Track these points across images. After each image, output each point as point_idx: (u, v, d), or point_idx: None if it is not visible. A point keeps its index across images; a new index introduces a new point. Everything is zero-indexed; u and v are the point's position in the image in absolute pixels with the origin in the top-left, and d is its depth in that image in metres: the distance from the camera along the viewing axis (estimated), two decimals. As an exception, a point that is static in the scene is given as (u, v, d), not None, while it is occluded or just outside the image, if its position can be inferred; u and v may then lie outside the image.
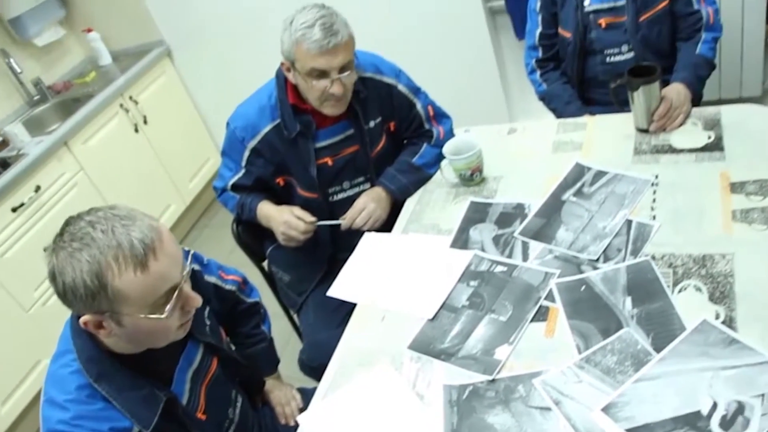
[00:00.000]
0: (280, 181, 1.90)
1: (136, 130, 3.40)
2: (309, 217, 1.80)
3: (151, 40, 3.62)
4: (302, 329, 2.00)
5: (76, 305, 1.08)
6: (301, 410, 1.61)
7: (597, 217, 1.57)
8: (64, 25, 3.66)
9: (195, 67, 3.70)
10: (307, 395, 1.68)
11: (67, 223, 1.08)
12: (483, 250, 1.59)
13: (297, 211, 1.81)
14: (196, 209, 3.82)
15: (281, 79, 1.79)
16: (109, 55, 3.65)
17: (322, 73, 1.67)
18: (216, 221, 3.72)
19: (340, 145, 1.85)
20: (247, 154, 1.85)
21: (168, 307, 1.11)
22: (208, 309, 1.42)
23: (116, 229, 1.05)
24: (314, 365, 1.90)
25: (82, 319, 1.10)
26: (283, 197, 1.92)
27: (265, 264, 2.03)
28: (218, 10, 3.40)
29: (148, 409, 1.19)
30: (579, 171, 1.73)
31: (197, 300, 1.18)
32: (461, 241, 1.65)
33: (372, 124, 1.86)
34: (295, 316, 2.05)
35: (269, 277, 2.04)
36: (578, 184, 1.68)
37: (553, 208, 1.64)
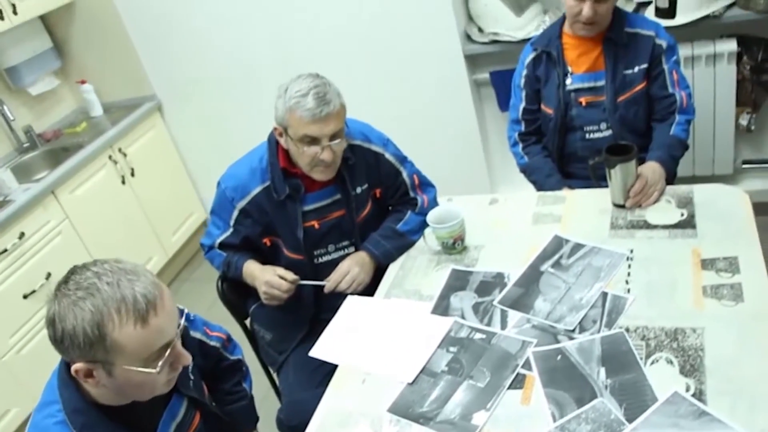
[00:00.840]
0: (266, 241, 1.93)
1: (123, 182, 3.43)
2: (291, 276, 1.84)
3: (143, 95, 3.69)
4: (281, 388, 2.00)
5: (71, 352, 1.10)
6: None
7: (574, 289, 1.62)
8: (58, 76, 3.73)
9: (184, 123, 3.77)
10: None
11: (73, 271, 1.11)
12: (463, 317, 1.63)
13: (280, 270, 1.85)
14: (178, 262, 3.83)
15: (273, 143, 1.85)
16: (100, 106, 3.71)
17: (314, 140, 1.73)
18: (197, 275, 3.73)
19: (327, 209, 1.90)
20: (235, 213, 1.89)
21: (160, 362, 1.14)
22: (192, 364, 1.43)
23: (122, 282, 1.09)
24: (293, 425, 1.90)
25: (74, 366, 1.11)
26: (269, 257, 1.96)
27: (247, 321, 2.04)
28: (210, 69, 3.50)
29: None
30: (558, 243, 1.79)
31: (187, 358, 1.21)
32: (442, 307, 1.69)
33: (359, 190, 1.92)
34: (274, 375, 2.06)
35: (250, 335, 2.05)
36: (556, 256, 1.74)
37: (531, 279, 1.69)
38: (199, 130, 3.75)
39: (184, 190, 3.92)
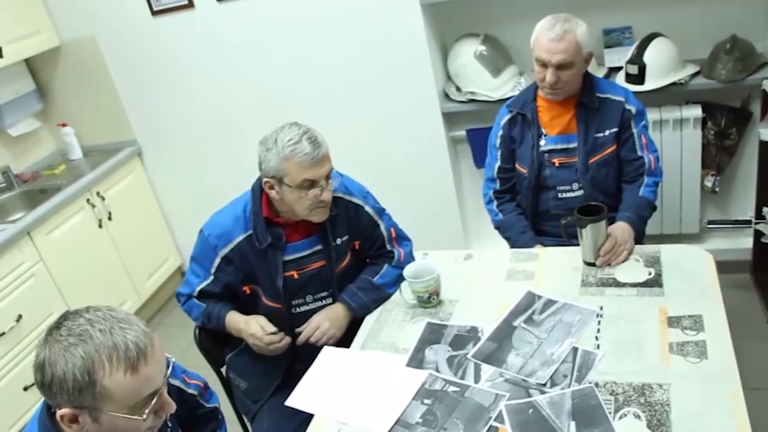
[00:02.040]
0: (246, 289, 1.95)
1: (100, 226, 3.42)
2: (270, 328, 1.88)
3: (123, 139, 3.71)
4: (254, 437, 2.01)
5: (58, 398, 1.11)
6: None
7: (545, 344, 1.66)
8: (39, 118, 3.74)
9: (163, 170, 3.79)
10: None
11: (65, 317, 1.14)
12: (437, 370, 1.66)
13: (262, 321, 1.90)
14: (151, 307, 3.80)
15: (257, 193, 1.89)
16: (80, 150, 3.71)
17: (313, 183, 1.78)
18: (170, 320, 3.70)
19: (307, 260, 1.93)
20: (218, 261, 1.91)
21: (147, 410, 1.15)
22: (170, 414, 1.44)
23: (114, 330, 1.11)
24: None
25: (60, 411, 1.12)
26: (247, 305, 1.98)
27: (223, 369, 2.05)
28: (191, 118, 3.55)
29: None
30: (530, 299, 1.84)
31: (172, 406, 1.22)
32: (417, 360, 1.72)
33: (339, 241, 1.96)
34: (248, 424, 2.05)
35: (226, 382, 2.05)
36: (529, 312, 1.79)
37: (504, 333, 1.73)
38: (178, 176, 3.78)
39: (161, 235, 3.92)
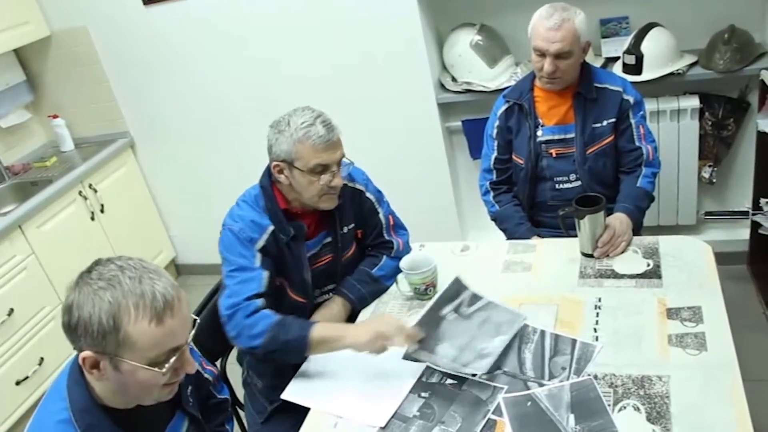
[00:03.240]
0: (277, 282, 1.83)
1: (93, 218, 3.40)
2: (419, 335, 1.59)
3: (115, 131, 3.68)
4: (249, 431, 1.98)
5: (82, 340, 1.11)
6: None
7: (477, 339, 1.64)
8: (30, 109, 3.71)
9: (156, 162, 3.76)
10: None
11: (97, 262, 1.14)
12: (434, 362, 1.65)
13: (396, 320, 1.63)
14: (145, 301, 3.77)
15: (267, 188, 1.82)
16: (72, 141, 3.68)
17: (325, 168, 1.74)
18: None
19: (319, 255, 1.90)
20: (259, 256, 1.77)
21: (167, 365, 1.15)
22: (190, 388, 1.43)
23: (143, 278, 1.11)
24: (260, 469, 1.88)
25: (82, 354, 1.12)
26: (270, 302, 1.81)
27: (218, 363, 2.02)
28: (185, 111, 3.52)
29: None
30: (458, 287, 1.71)
31: (193, 365, 1.22)
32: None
33: (345, 229, 1.92)
34: (244, 419, 2.03)
35: (222, 377, 2.02)
36: (456, 302, 1.69)
37: (433, 323, 1.63)
38: (172, 169, 3.75)
39: (154, 228, 3.90)
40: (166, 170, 3.77)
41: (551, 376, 1.52)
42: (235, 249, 1.77)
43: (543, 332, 1.66)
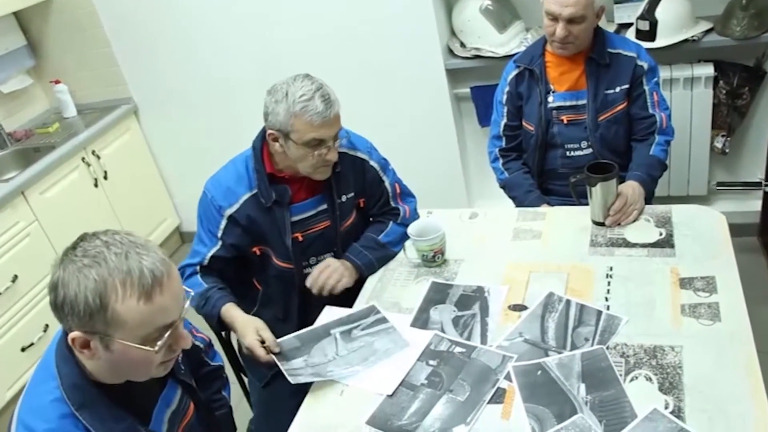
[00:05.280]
0: (256, 250, 1.88)
1: (96, 185, 3.37)
2: (267, 335, 1.66)
3: (119, 97, 3.63)
4: (253, 399, 1.97)
5: (70, 320, 1.07)
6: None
7: (334, 363, 1.58)
8: (32, 75, 3.66)
9: (160, 128, 3.72)
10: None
11: (82, 238, 1.09)
12: (442, 330, 1.62)
13: (262, 331, 1.68)
14: (149, 269, 3.76)
15: (257, 150, 1.81)
16: (74, 108, 3.64)
17: (320, 142, 1.70)
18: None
19: (312, 221, 1.87)
20: (224, 223, 1.82)
21: (160, 342, 1.11)
22: (181, 356, 1.40)
23: (130, 254, 1.06)
24: (264, 436, 1.88)
25: (71, 335, 1.08)
26: (258, 269, 1.92)
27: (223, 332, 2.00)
28: (189, 76, 3.46)
29: None
30: (369, 311, 1.72)
31: (188, 341, 1.19)
32: (421, 320, 1.68)
33: (344, 198, 1.89)
34: (248, 385, 2.02)
35: (226, 344, 2.01)
36: (353, 324, 1.69)
37: (315, 336, 1.68)
38: (176, 135, 3.70)
39: (158, 195, 3.87)
40: (170, 136, 3.72)
41: (573, 347, 1.49)
42: (203, 213, 1.86)
43: (568, 302, 1.63)
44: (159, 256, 1.10)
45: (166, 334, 1.12)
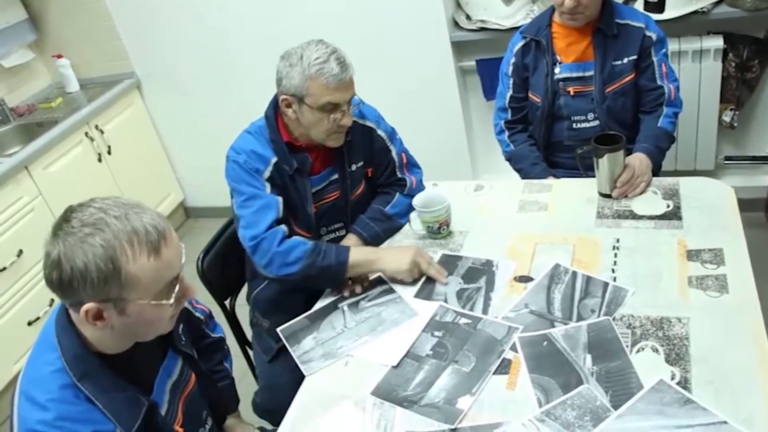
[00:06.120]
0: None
1: (100, 160, 3.36)
2: (443, 277, 1.69)
3: (121, 72, 3.61)
4: (258, 371, 1.97)
5: (81, 293, 1.05)
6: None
7: (342, 336, 1.59)
8: (33, 49, 3.64)
9: (164, 102, 3.70)
10: (267, 436, 1.66)
11: (72, 210, 1.07)
12: (446, 301, 1.62)
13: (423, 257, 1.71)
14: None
15: (272, 119, 1.78)
16: (77, 82, 3.62)
17: (335, 106, 1.68)
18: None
19: (325, 191, 1.86)
20: (268, 185, 1.75)
21: (173, 295, 1.13)
22: (181, 326, 1.41)
23: (129, 215, 1.06)
24: (268, 408, 1.88)
25: (85, 307, 1.07)
26: None
27: (227, 302, 2.00)
28: (191, 49, 3.43)
29: (130, 412, 1.17)
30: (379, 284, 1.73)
31: (193, 291, 1.21)
32: (426, 291, 1.67)
33: (354, 167, 1.88)
34: (252, 356, 2.02)
35: (230, 315, 2.01)
36: (361, 297, 1.71)
37: (324, 312, 1.69)
38: (179, 110, 3.68)
39: (162, 170, 3.86)
40: (173, 111, 3.70)
41: (579, 318, 1.48)
42: (243, 179, 1.75)
43: (575, 273, 1.61)
44: (155, 212, 1.11)
45: (177, 286, 1.13)
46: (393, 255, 1.71)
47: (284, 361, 1.80)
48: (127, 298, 1.08)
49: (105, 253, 1.03)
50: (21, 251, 2.85)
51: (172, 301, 1.12)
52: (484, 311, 1.56)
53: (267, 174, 1.76)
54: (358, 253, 1.71)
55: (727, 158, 2.93)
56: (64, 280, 1.05)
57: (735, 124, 2.81)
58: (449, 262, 1.75)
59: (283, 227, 1.73)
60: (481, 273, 1.69)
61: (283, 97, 1.72)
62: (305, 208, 1.82)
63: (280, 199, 1.75)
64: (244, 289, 2.06)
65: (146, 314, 1.12)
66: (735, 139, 2.98)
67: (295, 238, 1.73)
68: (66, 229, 1.04)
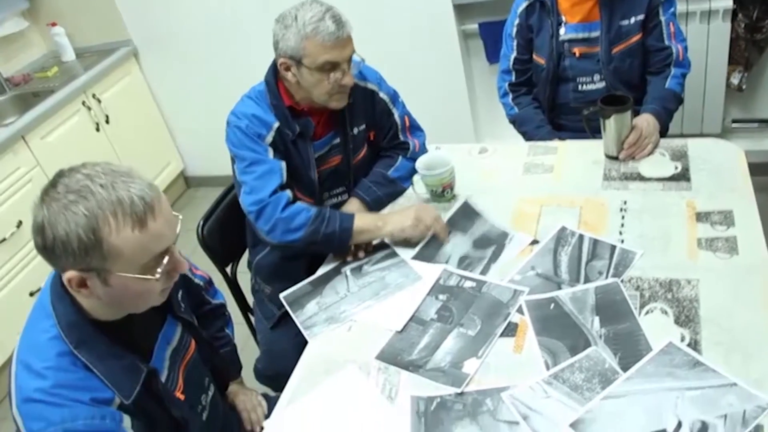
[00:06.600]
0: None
1: (98, 129, 3.32)
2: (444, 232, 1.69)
3: (117, 39, 3.54)
4: (259, 338, 1.95)
5: (63, 260, 1.03)
6: (266, 417, 1.57)
7: (345, 300, 1.57)
8: (27, 17, 3.57)
9: (161, 70, 3.64)
10: (270, 402, 1.64)
11: (61, 174, 1.04)
12: (447, 263, 1.60)
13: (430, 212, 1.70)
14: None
15: (272, 84, 1.74)
16: (72, 51, 3.56)
17: (334, 66, 1.64)
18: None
19: (327, 157, 1.82)
20: (271, 150, 1.71)
21: (159, 269, 1.08)
22: (181, 292, 1.38)
23: (116, 184, 1.02)
24: (269, 374, 1.86)
25: (67, 275, 1.04)
26: None
27: (228, 269, 1.98)
28: (188, 15, 3.36)
29: (129, 379, 1.14)
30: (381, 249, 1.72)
31: (184, 265, 1.15)
32: (429, 251, 1.65)
33: (356, 131, 1.84)
34: (252, 319, 2.01)
35: (232, 283, 1.98)
36: (364, 261, 1.69)
37: (326, 277, 1.67)
38: (177, 78, 3.62)
39: (162, 139, 3.82)
40: (171, 79, 3.64)
41: (587, 281, 1.46)
42: (244, 144, 1.70)
43: (581, 236, 1.58)
44: (145, 181, 1.06)
45: (164, 261, 1.08)
46: (396, 216, 1.69)
47: (286, 327, 1.79)
48: (109, 269, 1.04)
49: (87, 222, 0.99)
50: (20, 222, 2.82)
51: (157, 276, 1.08)
52: (483, 273, 1.54)
53: (269, 139, 1.71)
54: (362, 219, 1.68)
55: (735, 121, 2.88)
56: (47, 246, 1.02)
57: (743, 87, 2.76)
58: (467, 216, 1.73)
59: (288, 192, 1.69)
60: (491, 242, 1.65)
61: (281, 60, 1.67)
62: (308, 173, 1.78)
63: (283, 163, 1.72)
64: (245, 256, 2.04)
65: (131, 287, 1.08)
66: (743, 102, 2.93)
67: (299, 204, 1.70)
68: (51, 194, 1.01)
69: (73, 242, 1.00)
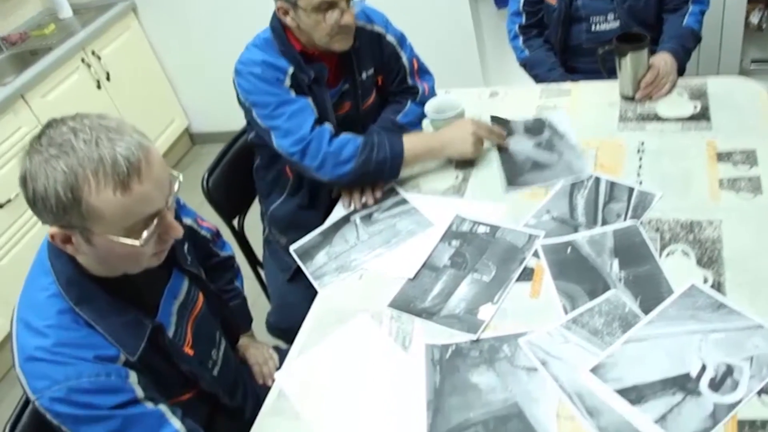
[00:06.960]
0: None
1: (99, 87, 3.26)
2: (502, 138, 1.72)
3: (114, -6, 3.47)
4: (270, 291, 1.92)
5: (45, 216, 0.98)
6: (277, 369, 1.55)
7: (356, 249, 1.54)
8: (21, -26, 3.49)
9: (161, 24, 3.56)
10: (281, 355, 1.61)
11: (48, 125, 0.98)
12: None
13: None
14: (159, 172, 3.70)
15: (279, 30, 1.65)
16: (69, 7, 3.48)
17: (330, 5, 1.55)
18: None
19: (338, 105, 1.76)
20: (292, 92, 1.62)
21: (145, 233, 1.01)
22: (187, 245, 1.34)
23: (101, 141, 0.95)
24: (282, 327, 1.84)
25: (50, 230, 1.00)
26: None
27: (235, 222, 1.94)
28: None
29: (133, 336, 1.10)
30: (390, 194, 1.69)
31: (178, 230, 1.08)
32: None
33: (364, 75, 1.77)
34: (263, 276, 1.97)
35: (239, 236, 1.95)
36: (374, 208, 1.65)
37: (335, 226, 1.64)
38: (178, 32, 3.54)
39: (164, 95, 3.75)
40: (171, 34, 3.56)
41: (605, 223, 1.41)
42: (263, 90, 1.61)
43: (598, 179, 1.53)
44: (135, 139, 0.98)
45: (153, 224, 1.02)
46: (453, 137, 1.66)
47: (299, 279, 1.75)
48: (91, 229, 0.98)
49: (66, 180, 0.93)
50: (24, 182, 2.78)
51: (141, 241, 1.00)
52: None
53: (288, 82, 1.63)
54: (414, 141, 1.64)
55: (755, 61, 2.79)
56: (29, 199, 0.97)
57: (763, 26, 2.66)
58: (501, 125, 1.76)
59: (328, 125, 1.62)
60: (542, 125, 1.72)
61: (279, 5, 1.60)
62: (326, 118, 1.70)
63: (310, 100, 1.63)
64: (252, 209, 1.99)
65: (116, 249, 1.01)
66: (763, 42, 2.84)
67: (344, 135, 1.62)
68: (35, 145, 0.96)
69: (51, 198, 0.94)
